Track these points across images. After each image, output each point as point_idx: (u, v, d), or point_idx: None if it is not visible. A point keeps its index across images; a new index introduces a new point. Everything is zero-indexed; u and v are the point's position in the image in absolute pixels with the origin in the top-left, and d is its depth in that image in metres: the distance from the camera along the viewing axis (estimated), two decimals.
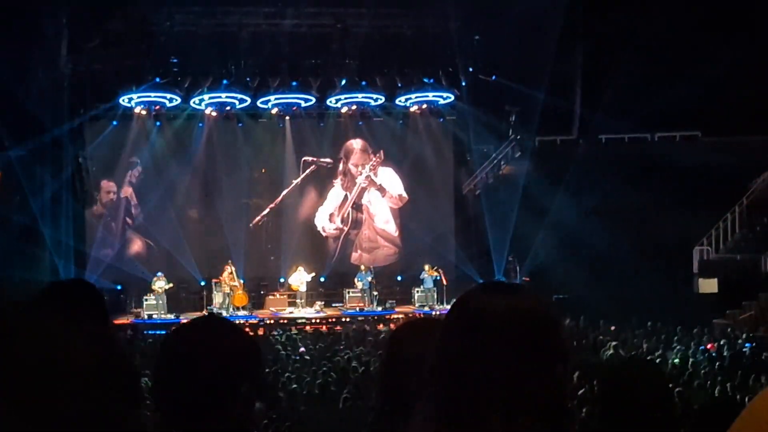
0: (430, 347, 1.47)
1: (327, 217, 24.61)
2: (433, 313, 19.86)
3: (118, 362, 0.99)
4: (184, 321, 1.89)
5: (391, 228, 24.83)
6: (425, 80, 22.96)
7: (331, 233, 24.68)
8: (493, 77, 22.70)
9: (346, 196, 24.72)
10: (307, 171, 24.33)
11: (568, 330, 15.70)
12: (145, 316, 20.20)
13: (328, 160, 24.46)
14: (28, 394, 0.86)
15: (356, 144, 24.61)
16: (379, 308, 21.59)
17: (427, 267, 22.04)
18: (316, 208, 24.60)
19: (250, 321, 20.28)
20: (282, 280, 23.05)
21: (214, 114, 23.06)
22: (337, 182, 24.68)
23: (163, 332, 17.70)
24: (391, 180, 24.69)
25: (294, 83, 22.44)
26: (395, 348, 1.97)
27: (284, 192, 24.23)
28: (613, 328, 16.46)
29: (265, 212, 24.16)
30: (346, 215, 24.72)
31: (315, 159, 24.34)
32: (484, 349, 1.33)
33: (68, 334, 0.94)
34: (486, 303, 1.38)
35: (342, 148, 24.61)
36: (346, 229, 24.65)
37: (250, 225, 23.87)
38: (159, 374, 1.71)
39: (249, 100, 22.56)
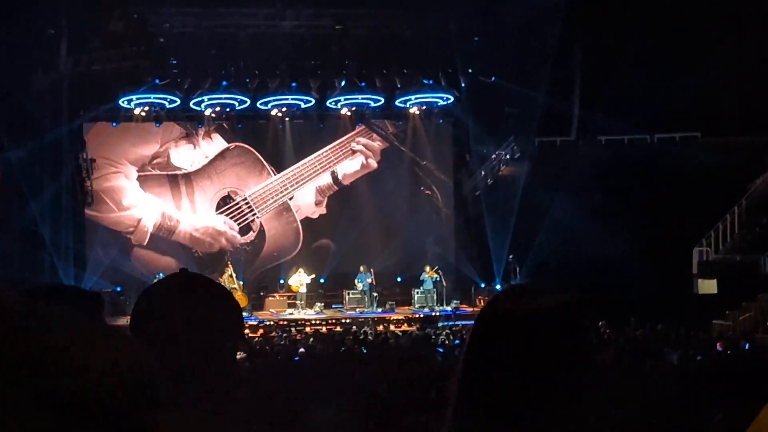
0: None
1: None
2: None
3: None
4: (157, 281, 1.75)
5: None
6: (425, 81, 22.95)
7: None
8: (493, 78, 22.69)
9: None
10: None
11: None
12: None
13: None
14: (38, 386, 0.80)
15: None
16: (379, 309, 21.58)
17: (427, 268, 22.03)
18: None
19: (250, 323, 20.25)
20: (282, 281, 23.03)
21: (213, 115, 23.07)
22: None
23: None
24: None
25: (293, 84, 22.42)
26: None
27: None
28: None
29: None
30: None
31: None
32: (511, 352, 1.36)
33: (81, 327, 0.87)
34: (510, 306, 1.41)
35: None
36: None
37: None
38: (137, 334, 1.57)
39: (248, 102, 22.56)
